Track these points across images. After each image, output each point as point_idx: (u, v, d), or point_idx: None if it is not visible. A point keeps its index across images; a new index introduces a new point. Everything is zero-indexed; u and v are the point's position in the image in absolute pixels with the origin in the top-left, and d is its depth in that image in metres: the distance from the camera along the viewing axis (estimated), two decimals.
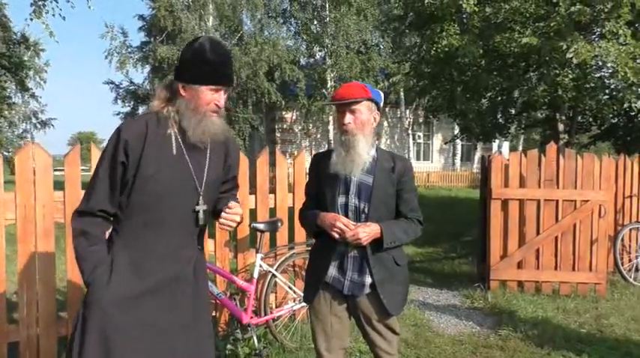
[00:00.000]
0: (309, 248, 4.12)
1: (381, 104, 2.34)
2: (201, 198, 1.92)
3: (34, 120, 24.62)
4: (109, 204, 1.85)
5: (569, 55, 5.28)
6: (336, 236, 2.20)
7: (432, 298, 5.33)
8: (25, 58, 16.41)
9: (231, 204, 1.92)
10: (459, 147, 25.62)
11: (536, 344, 3.90)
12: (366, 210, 2.25)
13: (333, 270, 2.30)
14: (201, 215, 1.92)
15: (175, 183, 1.87)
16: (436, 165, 25.90)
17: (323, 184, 2.33)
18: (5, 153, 20.76)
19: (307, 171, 4.26)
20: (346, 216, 2.24)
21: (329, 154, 2.34)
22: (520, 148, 26.56)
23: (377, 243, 2.22)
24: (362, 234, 2.16)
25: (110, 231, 1.92)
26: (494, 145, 23.33)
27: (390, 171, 2.29)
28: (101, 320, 1.78)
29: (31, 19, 5.51)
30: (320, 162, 2.38)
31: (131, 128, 1.86)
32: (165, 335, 1.85)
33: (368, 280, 2.26)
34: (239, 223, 1.96)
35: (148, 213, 1.85)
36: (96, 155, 3.46)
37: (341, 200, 2.27)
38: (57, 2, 5.34)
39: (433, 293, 5.48)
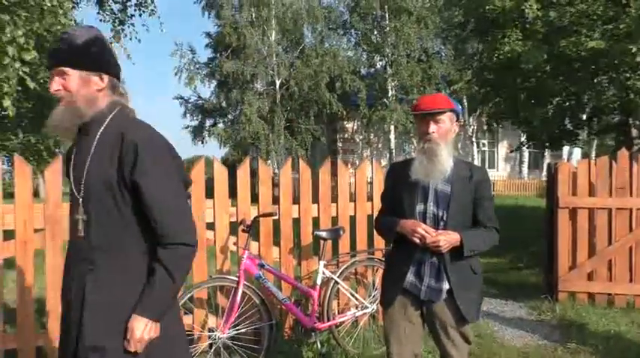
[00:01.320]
0: (371, 256, 4.23)
1: (461, 116, 2.42)
2: (80, 204, 1.59)
3: None
4: None
5: (638, 58, 5.07)
6: (417, 241, 2.25)
7: (497, 309, 5.23)
8: None
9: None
10: (525, 154, 24.76)
11: None
12: (444, 217, 2.31)
13: (410, 276, 2.35)
14: (79, 226, 1.60)
15: (69, 187, 1.66)
16: (502, 173, 25.15)
17: (401, 192, 2.40)
18: None
19: (369, 180, 4.37)
20: (424, 223, 2.30)
21: (406, 163, 2.43)
22: (593, 155, 25.28)
23: (456, 251, 2.27)
24: (442, 242, 2.22)
25: None
26: (565, 152, 22.37)
27: (467, 180, 2.35)
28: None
29: (111, 43, 5.96)
30: (397, 171, 2.47)
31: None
32: None
33: (445, 286, 2.31)
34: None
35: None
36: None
37: (419, 207, 2.33)
38: (134, 26, 5.76)
39: (498, 305, 5.38)
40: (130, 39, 5.90)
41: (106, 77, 1.64)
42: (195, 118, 24.64)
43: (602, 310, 4.89)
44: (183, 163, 1.73)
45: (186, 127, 25.05)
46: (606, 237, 5.06)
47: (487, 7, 6.15)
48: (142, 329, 1.55)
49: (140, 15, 5.84)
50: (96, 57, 1.62)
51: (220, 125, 24.00)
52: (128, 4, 5.70)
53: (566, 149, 20.75)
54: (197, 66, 22.36)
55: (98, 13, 5.65)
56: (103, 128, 1.62)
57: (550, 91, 6.62)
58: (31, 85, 3.33)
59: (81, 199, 1.60)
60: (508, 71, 6.64)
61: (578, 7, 5.72)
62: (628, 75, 5.49)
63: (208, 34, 23.68)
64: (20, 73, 3.16)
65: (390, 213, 2.46)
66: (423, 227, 2.25)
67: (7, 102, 3.17)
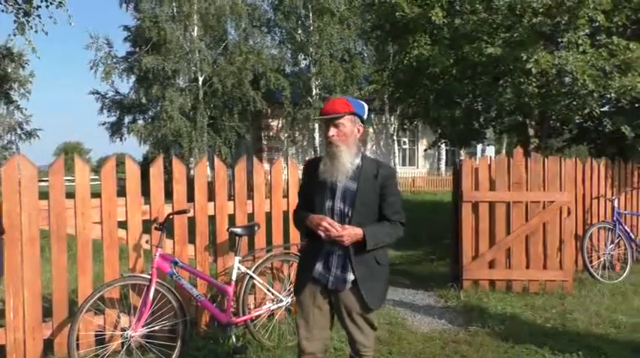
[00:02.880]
0: (287, 250, 4.35)
1: (365, 116, 2.56)
2: None
3: (19, 131, 24.50)
4: None
5: (529, 65, 5.57)
6: (322, 234, 2.40)
7: (409, 298, 5.52)
8: (9, 70, 16.41)
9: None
10: (443, 152, 25.98)
11: (502, 339, 4.11)
12: (349, 213, 2.47)
13: (319, 266, 2.52)
14: None
15: None
16: (421, 170, 26.25)
17: (313, 188, 2.56)
18: None
19: (287, 177, 4.48)
20: (332, 218, 2.45)
21: (319, 161, 2.56)
22: (503, 151, 26.95)
23: (360, 244, 2.43)
24: (345, 237, 2.38)
25: None
26: (478, 149, 23.71)
27: (373, 178, 2.50)
28: None
29: (15, 35, 5.69)
30: (311, 168, 2.61)
31: None
32: None
33: (350, 277, 2.48)
34: None
35: None
36: (80, 166, 3.64)
37: (328, 204, 2.49)
38: (40, 18, 5.49)
39: (409, 294, 5.68)
40: (36, 31, 5.62)
41: None
42: (112, 114, 23.65)
43: (502, 295, 5.32)
44: None
45: (103, 124, 24.02)
46: (505, 228, 5.49)
47: (397, 14, 6.49)
48: None
49: (47, 6, 5.59)
50: None
51: (140, 122, 23.17)
52: None
53: (479, 146, 21.98)
54: (114, 60, 21.47)
55: (0, 3, 5.35)
56: None
57: (457, 93, 7.08)
58: None
59: None
60: (418, 73, 7.02)
61: (480, 16, 6.17)
62: (522, 79, 6.00)
63: (127, 28, 22.81)
64: None
65: (304, 208, 2.60)
66: (328, 221, 2.40)
67: None
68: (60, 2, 5.50)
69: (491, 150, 26.59)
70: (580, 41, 5.82)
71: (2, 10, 5.26)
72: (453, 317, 4.84)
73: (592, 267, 6.07)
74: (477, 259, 5.48)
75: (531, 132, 7.18)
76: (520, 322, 4.54)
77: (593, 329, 4.38)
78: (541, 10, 5.91)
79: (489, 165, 5.55)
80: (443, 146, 14.08)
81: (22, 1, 5.27)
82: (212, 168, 4.49)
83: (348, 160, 2.46)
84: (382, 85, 9.59)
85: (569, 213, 5.54)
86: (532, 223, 5.45)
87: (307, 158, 22.51)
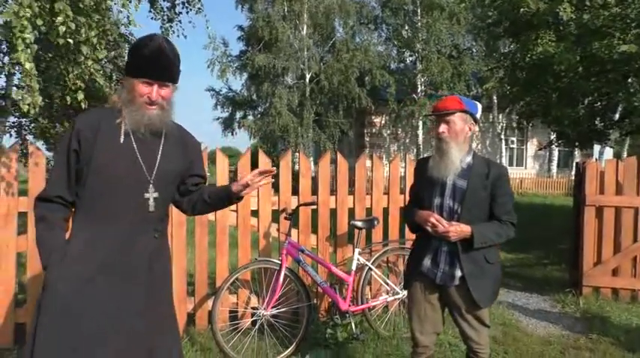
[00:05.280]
0: (402, 245, 4.49)
1: (478, 116, 2.61)
2: (151, 185, 1.93)
3: None
4: (66, 190, 1.91)
5: None
6: (429, 230, 2.50)
7: (522, 301, 5.42)
8: None
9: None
10: (555, 153, 24.50)
11: (628, 349, 3.95)
12: (458, 210, 2.52)
13: (427, 262, 2.60)
14: (151, 202, 1.93)
15: (121, 170, 1.89)
16: (530, 171, 24.95)
17: (423, 186, 2.65)
18: None
19: (403, 174, 4.61)
20: (440, 215, 2.52)
21: (428, 159, 2.66)
22: (625, 154, 24.83)
23: (468, 242, 2.49)
24: (451, 233, 2.44)
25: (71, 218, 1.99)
26: (595, 151, 22.08)
27: (484, 177, 2.53)
28: (54, 302, 1.81)
29: None
30: (422, 166, 2.71)
31: (85, 119, 1.94)
32: (117, 320, 1.86)
33: (458, 273, 2.53)
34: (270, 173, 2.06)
35: (99, 200, 1.89)
36: (220, 158, 4.04)
37: (437, 201, 2.56)
38: (180, 23, 6.10)
39: (522, 297, 5.57)
40: (178, 36, 6.26)
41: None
42: (225, 110, 25.11)
43: (625, 305, 5.05)
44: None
45: (217, 119, 25.56)
46: (631, 235, 5.19)
47: (521, 10, 6.29)
48: None
49: (187, 12, 6.20)
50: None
51: (250, 117, 24.39)
52: (176, 2, 6.07)
53: (597, 148, 20.49)
54: (229, 59, 22.76)
55: (150, 11, 6.04)
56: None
57: (582, 92, 6.72)
58: (100, 80, 3.70)
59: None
60: (540, 71, 6.76)
61: (611, 11, 5.81)
62: None
63: (241, 28, 24.05)
64: (92, 69, 3.54)
65: (415, 205, 2.70)
66: (435, 217, 2.48)
67: (80, 96, 3.56)
68: (199, 9, 6.09)
69: (609, 153, 24.64)
70: None
71: (152, 18, 5.95)
72: (571, 323, 4.70)
73: None
74: (600, 266, 5.24)
75: None
76: None
77: None
78: None
79: (616, 168, 5.27)
80: (555, 147, 13.36)
81: (166, 8, 5.94)
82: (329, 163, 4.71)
83: (458, 157, 2.50)
84: (500, 80, 9.26)
85: None
86: None
87: (408, 155, 22.38)
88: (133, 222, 1.91)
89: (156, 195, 1.93)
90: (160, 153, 1.96)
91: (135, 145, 1.90)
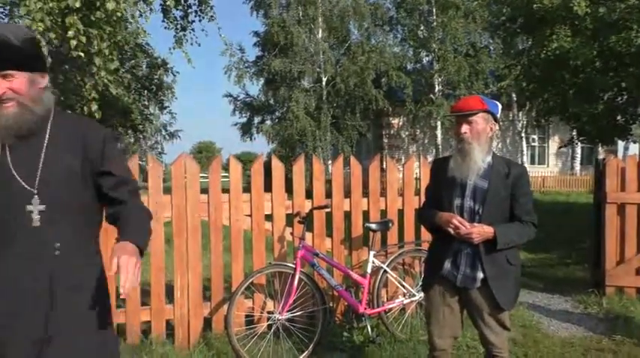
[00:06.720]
0: (418, 247, 4.45)
1: (498, 115, 2.57)
2: (35, 196, 1.66)
3: (163, 132, 27.28)
4: None
5: None
6: (452, 231, 2.44)
7: (543, 302, 5.32)
8: (165, 79, 18.34)
9: (120, 260, 1.49)
10: (578, 150, 24.06)
11: None
12: (480, 211, 2.47)
13: (447, 264, 2.55)
14: (35, 215, 1.66)
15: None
16: (552, 169, 24.57)
17: (442, 187, 2.60)
18: (140, 163, 23.14)
19: (416, 176, 4.58)
20: (461, 216, 2.48)
21: (448, 159, 2.61)
22: None
23: (490, 243, 2.44)
24: (474, 234, 2.39)
25: None
26: (620, 147, 21.63)
27: (504, 177, 2.49)
28: None
29: (174, 49, 6.45)
30: (440, 167, 2.67)
31: None
32: (16, 348, 1.66)
33: (480, 275, 2.48)
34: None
35: None
36: (234, 165, 4.07)
37: (457, 202, 2.51)
38: (193, 31, 6.18)
39: (544, 298, 5.47)
40: (191, 44, 6.34)
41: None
42: (243, 115, 25.33)
43: None
44: None
45: (235, 124, 25.80)
46: None
47: (534, 6, 6.20)
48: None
49: (200, 21, 6.29)
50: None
51: (268, 122, 24.55)
52: (189, 11, 6.16)
53: (621, 144, 20.07)
54: (246, 64, 22.97)
55: (163, 20, 6.13)
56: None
57: (600, 87, 6.59)
58: (114, 91, 3.76)
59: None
60: (556, 67, 6.64)
61: (628, 3, 5.69)
62: None
63: (257, 33, 24.24)
64: (105, 80, 3.61)
65: (432, 206, 2.65)
66: (457, 219, 2.42)
67: (94, 107, 3.63)
68: (211, 16, 6.16)
69: (635, 148, 24.10)
70: None
71: (165, 27, 6.05)
72: (593, 324, 4.59)
73: None
74: (623, 265, 5.12)
75: None
76: None
77: None
78: None
79: (638, 165, 5.14)
80: (578, 144, 13.12)
81: (179, 17, 6.04)
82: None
83: (480, 158, 2.46)
84: (516, 77, 9.11)
85: None
86: None
87: (427, 155, 22.26)
88: (23, 241, 1.65)
89: (42, 207, 1.66)
90: (42, 156, 1.68)
91: (8, 152, 1.65)
